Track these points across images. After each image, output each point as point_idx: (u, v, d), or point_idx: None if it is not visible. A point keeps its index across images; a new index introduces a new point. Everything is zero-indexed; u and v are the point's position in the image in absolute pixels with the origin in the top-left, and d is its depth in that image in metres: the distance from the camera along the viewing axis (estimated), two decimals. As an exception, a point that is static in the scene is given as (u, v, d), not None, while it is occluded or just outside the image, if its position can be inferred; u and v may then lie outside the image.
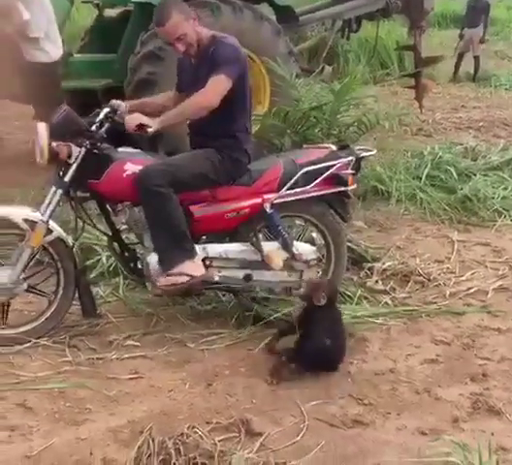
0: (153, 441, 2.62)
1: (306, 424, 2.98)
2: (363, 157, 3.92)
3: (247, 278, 3.73)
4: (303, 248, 3.82)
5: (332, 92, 5.85)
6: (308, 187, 3.75)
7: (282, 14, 6.91)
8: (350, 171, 3.84)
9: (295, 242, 3.83)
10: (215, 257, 3.68)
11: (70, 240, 3.61)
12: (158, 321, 3.86)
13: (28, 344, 3.54)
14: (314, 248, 3.88)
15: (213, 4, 6.16)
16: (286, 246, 3.75)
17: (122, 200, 3.66)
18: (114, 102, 3.82)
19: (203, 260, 3.63)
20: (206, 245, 3.69)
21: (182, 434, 2.69)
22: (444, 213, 5.63)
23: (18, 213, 3.55)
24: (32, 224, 3.50)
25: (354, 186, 3.90)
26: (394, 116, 6.84)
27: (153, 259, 3.57)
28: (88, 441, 2.85)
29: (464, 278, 4.52)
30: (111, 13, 6.93)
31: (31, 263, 3.58)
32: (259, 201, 3.69)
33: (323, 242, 3.96)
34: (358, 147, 4.04)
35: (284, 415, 3.05)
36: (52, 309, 3.68)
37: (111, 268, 4.36)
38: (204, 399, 3.15)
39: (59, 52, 5.65)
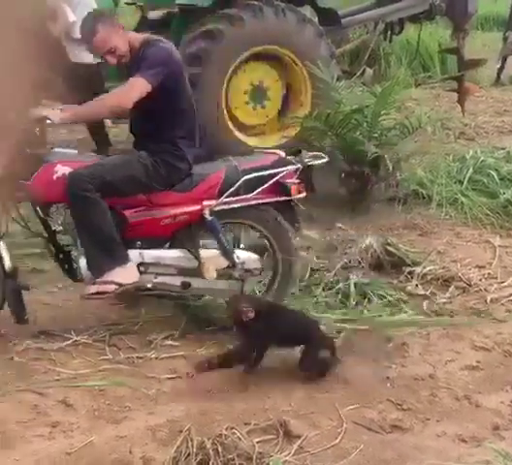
0: (192, 441, 2.63)
1: (344, 428, 2.97)
2: (310, 165, 3.79)
3: (185, 285, 3.64)
4: (245, 256, 3.72)
5: (373, 95, 5.82)
6: (250, 195, 3.63)
7: (325, 16, 6.90)
8: (295, 180, 3.69)
9: (238, 250, 3.73)
10: (151, 262, 3.60)
11: None
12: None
13: (69, 342, 3.59)
14: (257, 257, 3.76)
15: (256, 6, 6.17)
16: (226, 254, 3.67)
17: (53, 201, 3.63)
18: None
19: (138, 265, 3.58)
20: (142, 251, 3.60)
21: (221, 435, 2.70)
22: (486, 218, 5.55)
23: None
24: None
25: (301, 195, 3.72)
26: (436, 120, 6.76)
27: (84, 262, 3.53)
28: (127, 439, 2.88)
29: (505, 284, 4.45)
30: (154, 14, 6.97)
31: None
32: (198, 207, 3.60)
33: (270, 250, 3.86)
34: (310, 154, 3.87)
35: (322, 418, 3.04)
36: None
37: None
38: (242, 401, 3.16)
39: (103, 54, 5.72)
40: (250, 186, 3.62)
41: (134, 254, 3.57)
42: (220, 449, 2.62)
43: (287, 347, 3.45)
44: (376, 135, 5.64)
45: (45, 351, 3.51)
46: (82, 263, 3.54)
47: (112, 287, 3.45)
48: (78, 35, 5.46)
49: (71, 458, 2.76)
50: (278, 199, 3.70)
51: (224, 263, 3.68)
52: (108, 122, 6.24)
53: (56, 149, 3.58)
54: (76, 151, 3.66)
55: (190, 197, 3.61)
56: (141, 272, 3.59)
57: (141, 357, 3.53)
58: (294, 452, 2.77)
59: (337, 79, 6.16)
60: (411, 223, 5.44)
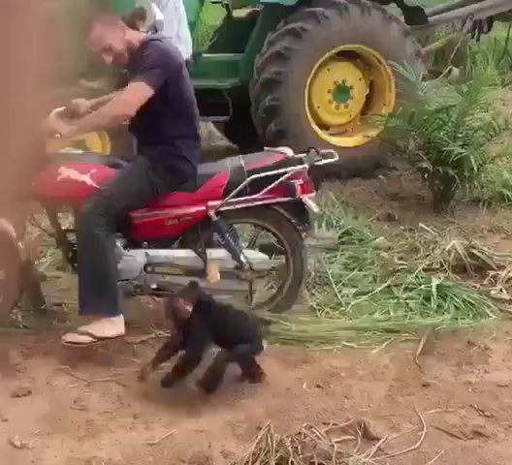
0: (272, 438, 2.64)
1: (425, 432, 2.92)
2: (318, 165, 3.69)
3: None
4: (254, 257, 3.69)
5: (459, 94, 5.71)
6: (256, 195, 3.59)
7: (411, 14, 6.81)
8: (301, 180, 3.61)
9: (246, 251, 3.70)
10: (158, 262, 3.60)
11: (11, 234, 3.57)
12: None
13: (152, 335, 3.65)
14: (266, 257, 3.73)
15: (341, 4, 6.14)
16: (233, 255, 3.64)
17: (59, 202, 3.68)
18: (74, 101, 3.80)
19: (145, 265, 3.58)
20: (148, 250, 3.59)
21: (300, 433, 2.70)
22: None
23: None
24: None
25: (308, 195, 3.64)
26: (523, 121, 6.58)
27: None
28: (207, 433, 2.92)
29: None
30: (239, 13, 7.03)
31: None
32: (203, 208, 3.58)
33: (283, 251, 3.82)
34: (321, 152, 3.75)
35: (402, 421, 3.01)
36: None
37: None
38: (320, 400, 3.15)
39: (189, 52, 5.79)
40: (256, 186, 3.58)
41: (140, 254, 3.58)
42: (299, 448, 2.62)
43: (226, 346, 3.23)
44: (461, 135, 5.53)
45: (128, 344, 3.58)
46: None
47: (88, 339, 3.37)
48: (164, 34, 5.60)
49: (152, 449, 2.81)
50: (284, 199, 3.64)
51: (231, 263, 3.66)
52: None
53: (63, 151, 3.59)
54: (80, 152, 3.69)
55: (195, 197, 3.59)
56: (147, 272, 3.59)
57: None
58: (373, 454, 2.74)
59: (423, 79, 6.07)
60: (496, 226, 5.31)
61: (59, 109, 3.71)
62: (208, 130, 7.83)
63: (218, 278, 3.59)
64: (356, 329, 3.77)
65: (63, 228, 3.76)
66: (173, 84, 3.46)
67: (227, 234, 3.63)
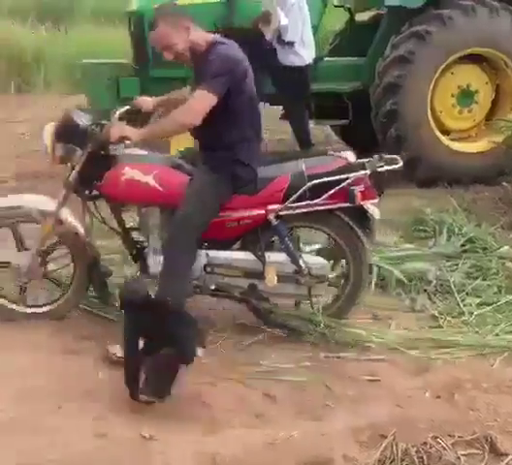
0: (397, 446, 2.61)
1: (555, 450, 2.81)
2: (381, 171, 3.59)
3: (252, 288, 3.63)
4: (313, 262, 3.65)
5: None
6: (316, 201, 3.54)
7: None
8: (361, 187, 3.54)
9: (307, 255, 3.67)
10: (218, 263, 3.61)
11: (82, 233, 3.70)
12: (398, 326, 3.85)
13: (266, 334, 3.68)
14: (326, 263, 3.68)
15: (468, 6, 6.01)
16: (292, 259, 3.61)
17: (123, 202, 3.70)
18: (140, 99, 3.90)
19: (204, 265, 3.60)
20: (208, 251, 3.61)
21: (425, 443, 2.66)
22: None
23: (35, 203, 3.74)
24: (44, 215, 3.67)
25: (368, 201, 3.59)
26: None
27: (152, 261, 3.62)
28: (328, 437, 2.91)
29: None
30: (362, 16, 7.00)
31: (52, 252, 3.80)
32: (262, 211, 3.57)
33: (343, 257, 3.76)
34: (385, 157, 3.65)
35: (531, 437, 2.91)
36: (65, 297, 3.84)
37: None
38: (444, 411, 3.08)
39: (312, 56, 5.84)
40: (316, 191, 3.54)
41: (201, 254, 3.60)
42: (425, 458, 2.58)
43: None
44: None
45: (246, 344, 3.63)
46: (151, 260, 3.64)
47: None
48: (289, 38, 5.68)
49: (273, 449, 2.82)
50: (344, 205, 3.59)
51: (290, 267, 3.64)
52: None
53: (128, 150, 3.61)
54: (146, 152, 3.71)
55: (255, 200, 3.58)
56: (207, 273, 3.63)
57: (339, 357, 3.55)
58: (501, 470, 2.67)
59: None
60: None
61: (122, 110, 3.82)
62: (326, 133, 7.84)
63: (275, 282, 3.60)
64: (480, 340, 3.67)
65: (127, 226, 3.83)
66: (236, 90, 3.45)
67: (286, 238, 3.63)
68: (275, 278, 3.59)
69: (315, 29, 6.25)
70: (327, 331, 3.66)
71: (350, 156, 3.68)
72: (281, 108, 6.72)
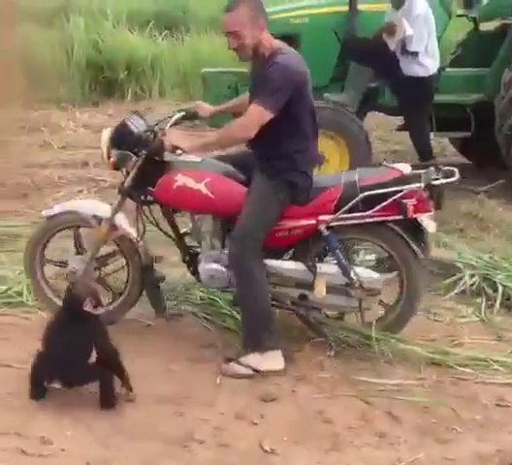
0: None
1: None
2: (435, 184, 3.48)
3: (303, 298, 3.58)
4: (365, 275, 3.56)
5: None
6: (368, 212, 3.46)
7: None
8: (413, 200, 3.42)
9: (358, 268, 3.58)
10: (268, 272, 3.54)
11: (135, 238, 3.70)
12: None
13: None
14: (378, 276, 3.57)
15: None
16: (344, 271, 3.52)
17: (175, 208, 3.69)
18: (197, 105, 3.88)
19: None
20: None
21: None
22: None
23: (90, 209, 3.77)
24: (99, 220, 3.69)
25: (420, 214, 3.46)
26: None
27: (204, 268, 3.62)
28: (455, 462, 2.81)
29: None
30: (486, 26, 6.79)
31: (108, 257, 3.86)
32: (313, 221, 3.51)
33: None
34: (442, 169, 3.54)
35: None
36: (118, 302, 3.85)
37: (473, 287, 4.29)
38: None
39: (436, 66, 5.70)
40: (369, 203, 3.45)
41: None
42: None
43: None
44: None
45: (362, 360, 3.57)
46: (202, 267, 3.64)
47: (249, 372, 3.41)
48: (413, 48, 5.58)
49: (398, 471, 2.76)
50: (396, 217, 3.48)
51: (341, 279, 3.55)
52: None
53: (182, 157, 3.55)
54: (200, 159, 3.65)
55: (306, 210, 3.54)
56: None
57: (463, 379, 3.43)
58: None
59: None
60: None
61: (177, 116, 3.81)
62: (442, 145, 7.65)
63: (324, 293, 3.54)
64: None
65: (181, 231, 3.81)
66: (294, 103, 3.41)
67: (337, 250, 3.55)
68: (324, 289, 3.55)
69: (438, 39, 6.10)
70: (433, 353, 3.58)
71: (405, 168, 3.61)
72: (398, 118, 6.61)
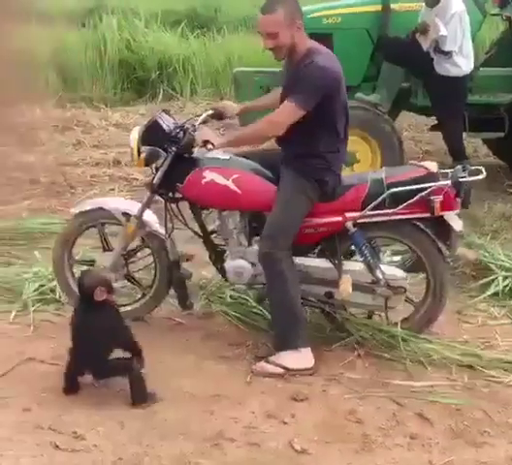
0: None
1: None
2: (463, 182, 3.48)
3: (329, 296, 3.59)
4: (391, 273, 3.55)
5: None
6: (394, 209, 3.45)
7: None
8: (440, 197, 3.41)
9: (385, 266, 3.57)
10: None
11: (163, 235, 3.72)
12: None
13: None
14: (405, 275, 3.58)
15: None
16: (370, 269, 3.52)
17: (203, 205, 3.69)
18: (224, 103, 3.93)
19: None
20: None
21: None
22: None
23: (119, 206, 3.81)
24: (128, 217, 3.71)
25: (448, 212, 3.46)
26: None
27: (230, 264, 3.64)
28: (488, 465, 2.79)
29: None
30: (521, 25, 6.71)
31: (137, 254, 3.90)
32: (340, 219, 3.50)
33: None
34: (469, 168, 3.56)
35: None
36: (146, 298, 3.87)
37: (506, 289, 4.25)
38: None
39: (470, 66, 5.65)
40: (395, 200, 3.45)
41: None
42: None
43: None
44: None
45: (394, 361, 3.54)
46: (229, 264, 3.66)
47: (280, 371, 3.40)
48: (447, 48, 5.53)
49: (430, 474, 2.75)
50: (423, 215, 3.48)
51: (367, 277, 3.55)
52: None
53: (209, 154, 3.56)
54: (228, 157, 3.64)
55: (333, 207, 3.53)
56: None
57: (498, 382, 3.39)
58: None
59: None
60: None
61: (206, 114, 3.82)
62: (474, 146, 7.58)
63: (349, 291, 3.51)
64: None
65: (208, 228, 3.81)
66: (330, 103, 3.41)
67: (364, 247, 3.53)
68: (350, 288, 3.53)
69: (472, 39, 6.04)
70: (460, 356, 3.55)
71: (432, 166, 3.59)
72: (430, 118, 6.56)
